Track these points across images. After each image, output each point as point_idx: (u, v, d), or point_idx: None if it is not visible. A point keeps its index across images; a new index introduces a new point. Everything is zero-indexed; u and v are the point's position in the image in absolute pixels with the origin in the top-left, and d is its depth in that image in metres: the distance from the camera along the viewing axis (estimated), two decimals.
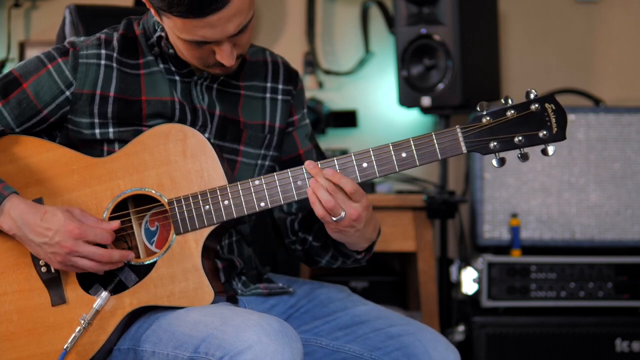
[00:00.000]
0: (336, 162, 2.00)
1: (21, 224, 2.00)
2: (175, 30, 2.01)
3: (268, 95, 2.26)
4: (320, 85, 3.78)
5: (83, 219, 2.01)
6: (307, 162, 1.99)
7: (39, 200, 2.08)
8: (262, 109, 2.25)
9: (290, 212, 2.29)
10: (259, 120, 2.24)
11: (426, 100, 3.32)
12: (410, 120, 3.76)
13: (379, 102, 3.79)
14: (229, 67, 2.09)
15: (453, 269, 3.43)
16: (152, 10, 2.06)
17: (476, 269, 3.35)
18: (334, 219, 1.97)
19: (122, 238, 2.11)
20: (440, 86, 3.30)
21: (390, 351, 2.10)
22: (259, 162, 2.24)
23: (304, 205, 2.26)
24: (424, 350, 2.08)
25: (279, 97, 2.27)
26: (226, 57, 2.03)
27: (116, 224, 2.04)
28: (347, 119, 3.71)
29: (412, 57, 3.35)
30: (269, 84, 2.27)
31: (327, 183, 1.96)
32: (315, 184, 1.97)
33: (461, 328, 3.33)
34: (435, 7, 3.32)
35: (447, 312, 3.38)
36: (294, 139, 2.29)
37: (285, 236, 2.28)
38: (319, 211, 1.97)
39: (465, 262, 3.44)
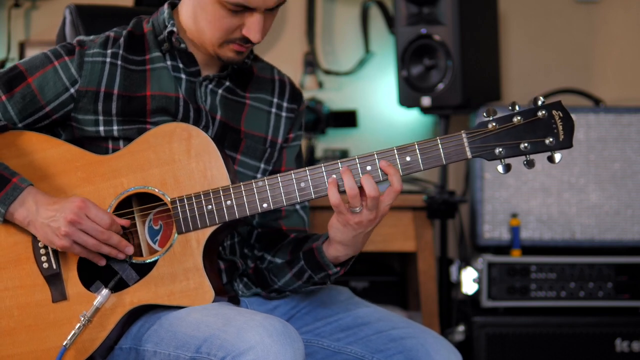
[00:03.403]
0: (340, 165, 2.00)
1: (35, 210, 2.02)
2: None
3: (274, 110, 2.27)
4: (320, 85, 3.77)
5: (94, 206, 2.03)
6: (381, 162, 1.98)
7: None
8: (266, 122, 2.26)
9: (250, 223, 2.28)
10: (261, 132, 2.25)
11: (426, 100, 3.32)
12: (410, 120, 3.75)
13: (379, 102, 3.79)
14: (247, 49, 2.11)
15: (453, 269, 3.43)
16: None
17: (476, 269, 3.35)
18: (352, 209, 1.97)
19: (125, 236, 2.11)
20: (440, 86, 3.30)
21: (393, 354, 2.10)
22: (259, 176, 2.24)
23: (265, 222, 2.26)
24: (426, 353, 2.07)
25: (283, 114, 2.28)
26: (255, 30, 2.06)
27: (125, 222, 2.04)
28: (347, 119, 3.71)
29: (412, 57, 3.35)
30: (275, 100, 2.28)
31: (372, 185, 1.96)
32: (347, 175, 1.97)
33: (461, 328, 3.33)
34: (435, 7, 3.31)
35: (447, 312, 3.37)
36: (282, 155, 2.30)
37: (245, 242, 2.28)
38: (334, 198, 1.96)
39: (465, 262, 3.44)
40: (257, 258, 2.25)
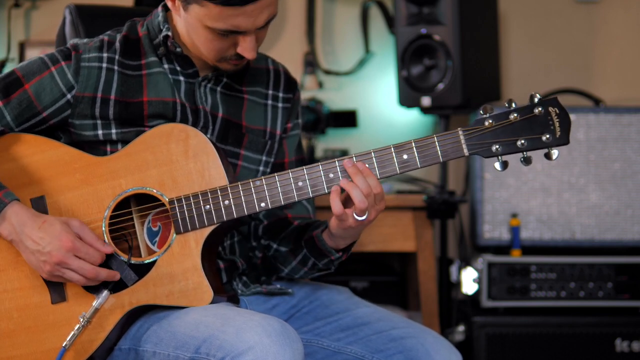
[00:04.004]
0: (337, 164, 2.00)
1: (20, 231, 2.01)
2: (207, 19, 2.02)
3: (270, 102, 2.27)
4: (320, 85, 3.77)
5: (80, 233, 2.02)
6: (345, 162, 1.99)
7: (41, 199, 2.09)
8: (263, 115, 2.26)
9: (256, 217, 2.29)
10: (260, 125, 2.25)
11: (426, 100, 3.32)
12: (410, 120, 3.75)
13: (379, 102, 3.79)
14: (243, 62, 2.11)
15: (453, 269, 3.43)
16: (171, 2, 2.08)
17: (476, 269, 3.34)
18: (359, 218, 1.98)
19: (124, 237, 2.11)
20: (440, 86, 3.30)
21: (393, 354, 2.10)
22: (261, 168, 2.25)
23: (271, 212, 2.26)
24: (426, 353, 2.08)
25: (280, 104, 2.28)
26: (249, 49, 2.06)
27: (110, 249, 2.04)
28: (347, 119, 3.71)
29: (412, 57, 3.35)
30: (270, 91, 2.28)
31: (364, 185, 1.97)
32: (350, 184, 1.97)
33: (461, 328, 3.33)
34: (435, 7, 3.31)
35: (447, 312, 3.37)
36: (282, 147, 2.30)
37: (246, 241, 2.29)
38: (336, 208, 1.98)
39: (465, 262, 3.44)
40: (264, 247, 2.26)
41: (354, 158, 2.00)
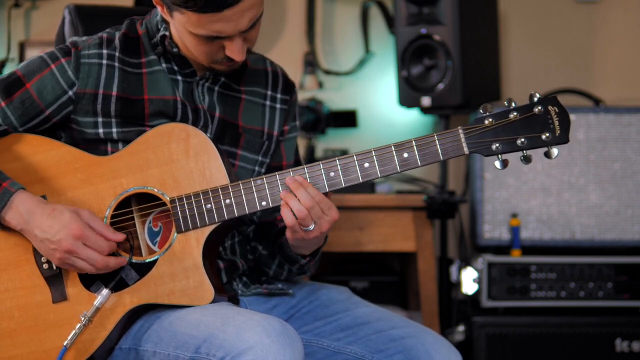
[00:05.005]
0: (338, 162, 2.01)
1: (28, 219, 2.01)
2: (189, 25, 2.02)
3: (268, 102, 2.28)
4: (320, 85, 3.77)
5: (90, 222, 2.02)
6: (287, 179, 2.01)
7: (43, 198, 2.08)
8: (261, 115, 2.27)
9: (253, 222, 2.30)
10: (258, 125, 2.26)
11: (426, 100, 3.32)
12: (410, 120, 3.76)
13: (379, 102, 3.79)
14: (237, 63, 2.10)
15: (453, 269, 3.43)
16: (160, 7, 2.07)
17: (476, 269, 3.35)
18: (304, 228, 2.00)
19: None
20: (440, 86, 3.30)
21: (393, 353, 2.10)
22: (257, 168, 2.25)
23: (262, 214, 2.27)
24: (426, 352, 2.08)
25: (278, 105, 2.29)
26: (237, 52, 2.06)
27: (122, 236, 2.04)
28: (347, 119, 3.71)
29: (412, 57, 3.35)
30: (268, 92, 2.29)
31: (304, 195, 1.98)
32: (287, 194, 2.00)
33: (461, 328, 3.33)
34: (435, 7, 3.32)
35: (447, 312, 3.37)
36: (280, 150, 2.30)
37: (247, 241, 2.30)
38: (288, 220, 2.00)
39: (465, 262, 3.44)
40: (252, 249, 2.28)
41: (355, 157, 2.00)
